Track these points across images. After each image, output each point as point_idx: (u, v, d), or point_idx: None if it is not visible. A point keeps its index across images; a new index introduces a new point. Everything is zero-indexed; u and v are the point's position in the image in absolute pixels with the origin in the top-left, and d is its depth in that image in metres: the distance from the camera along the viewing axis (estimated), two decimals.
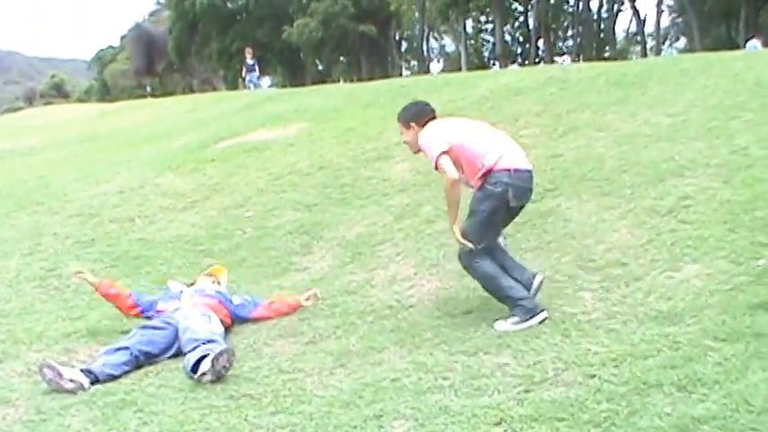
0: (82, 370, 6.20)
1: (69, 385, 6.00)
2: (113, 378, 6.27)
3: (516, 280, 6.75)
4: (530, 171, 6.83)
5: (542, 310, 6.52)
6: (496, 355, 5.92)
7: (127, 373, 6.40)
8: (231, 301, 7.71)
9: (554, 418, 4.70)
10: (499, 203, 6.62)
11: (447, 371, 5.72)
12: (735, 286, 6.35)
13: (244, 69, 35.26)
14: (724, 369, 4.95)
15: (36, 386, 6.15)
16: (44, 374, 6.05)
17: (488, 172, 6.61)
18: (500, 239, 7.11)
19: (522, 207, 6.97)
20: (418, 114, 7.16)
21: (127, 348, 6.57)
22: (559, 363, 5.56)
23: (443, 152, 6.64)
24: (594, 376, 5.22)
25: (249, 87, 33.87)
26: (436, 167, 6.72)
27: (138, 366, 6.53)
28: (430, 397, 5.28)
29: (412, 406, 5.15)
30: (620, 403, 4.74)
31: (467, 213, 6.76)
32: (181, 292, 7.84)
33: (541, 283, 6.75)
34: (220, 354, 6.01)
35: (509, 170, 6.62)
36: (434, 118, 7.16)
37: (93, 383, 6.12)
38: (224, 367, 6.00)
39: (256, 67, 35.12)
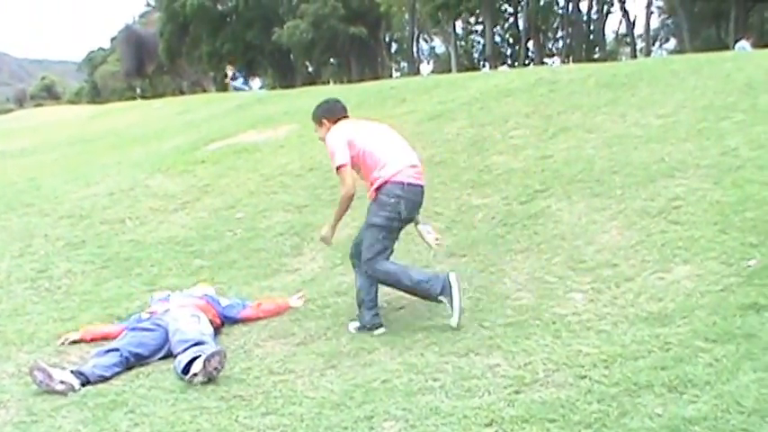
0: (72, 371, 6.19)
1: (60, 386, 5.99)
2: (104, 379, 6.25)
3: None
4: (422, 186, 7.22)
5: (447, 273, 6.94)
6: (487, 356, 5.92)
7: (117, 374, 6.38)
8: (219, 303, 7.71)
9: (545, 419, 4.70)
10: (393, 213, 6.99)
11: (438, 372, 5.72)
12: (725, 287, 6.36)
13: (231, 76, 35.85)
14: (715, 370, 4.96)
15: (27, 387, 6.13)
16: (35, 377, 6.04)
17: (384, 184, 7.00)
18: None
19: (410, 221, 7.32)
20: (329, 111, 7.61)
21: (117, 350, 6.56)
22: (550, 364, 5.57)
23: (345, 164, 7.07)
24: (585, 377, 5.23)
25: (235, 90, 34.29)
26: (336, 172, 7.17)
27: (129, 368, 6.52)
28: (421, 398, 5.28)
29: (403, 407, 5.15)
30: (610, 404, 4.75)
31: (365, 226, 7.18)
32: (168, 295, 7.82)
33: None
34: (212, 355, 6.00)
35: (402, 184, 6.99)
36: (346, 117, 7.56)
37: (83, 385, 6.11)
38: (215, 369, 5.99)
39: (239, 76, 35.71)
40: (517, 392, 5.18)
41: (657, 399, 4.72)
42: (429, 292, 6.89)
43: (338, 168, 7.06)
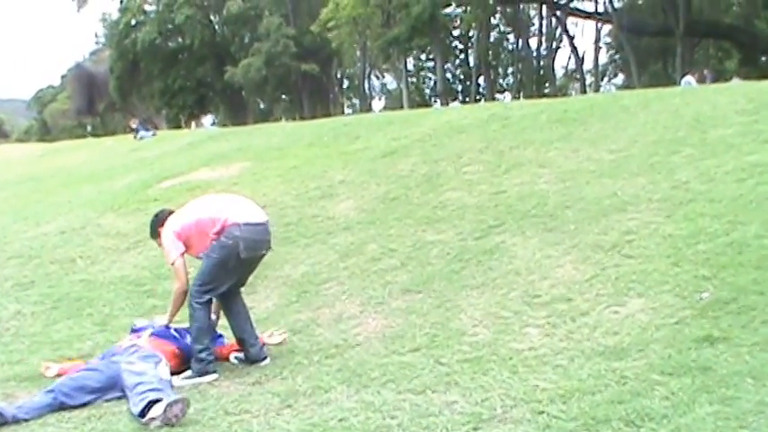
0: None
1: None
2: (25, 421, 6.14)
3: (248, 345, 7.47)
4: (263, 223, 7.53)
5: (215, 371, 7.18)
6: (444, 392, 5.90)
7: (41, 416, 6.25)
8: (184, 341, 7.58)
9: None
10: (229, 255, 7.19)
11: (395, 410, 5.68)
12: (680, 320, 6.40)
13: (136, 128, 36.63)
14: (671, 403, 4.98)
15: None
16: None
17: (222, 229, 7.22)
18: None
19: (261, 257, 7.70)
20: (158, 221, 7.66)
21: (52, 391, 6.46)
22: (508, 399, 5.56)
23: (180, 254, 7.30)
24: (543, 412, 5.22)
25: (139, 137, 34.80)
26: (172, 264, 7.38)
27: (62, 409, 6.39)
28: None
29: None
30: None
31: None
32: (142, 328, 7.66)
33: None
34: (175, 402, 5.89)
35: (239, 224, 7.24)
36: (171, 213, 7.71)
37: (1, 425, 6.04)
38: (176, 416, 5.89)
39: (140, 128, 36.32)
40: (475, 429, 5.16)
41: None
42: (202, 363, 7.17)
43: (174, 261, 7.29)
